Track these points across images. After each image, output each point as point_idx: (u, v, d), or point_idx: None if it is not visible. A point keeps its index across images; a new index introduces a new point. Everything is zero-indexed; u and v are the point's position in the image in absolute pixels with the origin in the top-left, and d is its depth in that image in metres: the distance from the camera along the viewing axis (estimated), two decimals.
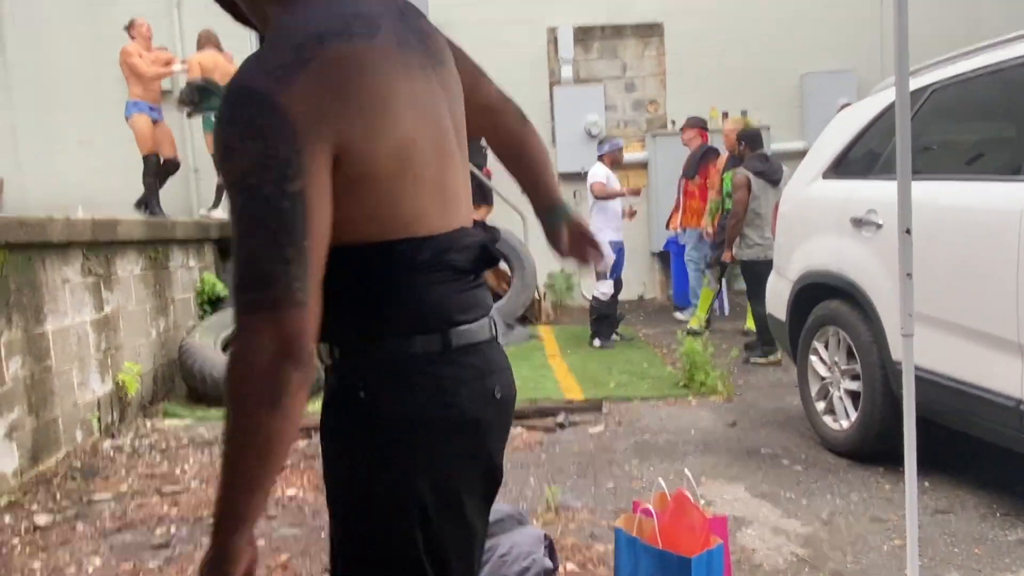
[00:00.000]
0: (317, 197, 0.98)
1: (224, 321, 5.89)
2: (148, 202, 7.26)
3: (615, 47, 9.48)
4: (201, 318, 6.23)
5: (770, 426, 4.58)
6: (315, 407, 1.19)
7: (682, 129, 7.84)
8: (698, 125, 7.69)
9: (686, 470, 3.00)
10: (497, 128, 1.50)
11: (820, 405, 4.19)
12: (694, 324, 7.16)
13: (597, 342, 6.88)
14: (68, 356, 4.39)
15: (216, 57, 7.46)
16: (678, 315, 8.13)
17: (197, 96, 7.06)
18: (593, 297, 6.89)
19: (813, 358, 4.22)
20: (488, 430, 1.21)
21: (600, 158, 6.93)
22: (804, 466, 3.91)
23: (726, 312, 7.49)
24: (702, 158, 7.55)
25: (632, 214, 6.92)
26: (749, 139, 6.30)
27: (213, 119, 7.26)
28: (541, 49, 9.40)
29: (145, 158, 7.24)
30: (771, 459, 4.03)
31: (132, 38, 7.28)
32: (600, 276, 6.79)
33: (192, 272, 6.31)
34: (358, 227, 1.07)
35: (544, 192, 1.56)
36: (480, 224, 1.28)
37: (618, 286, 7.02)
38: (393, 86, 1.07)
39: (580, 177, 8.65)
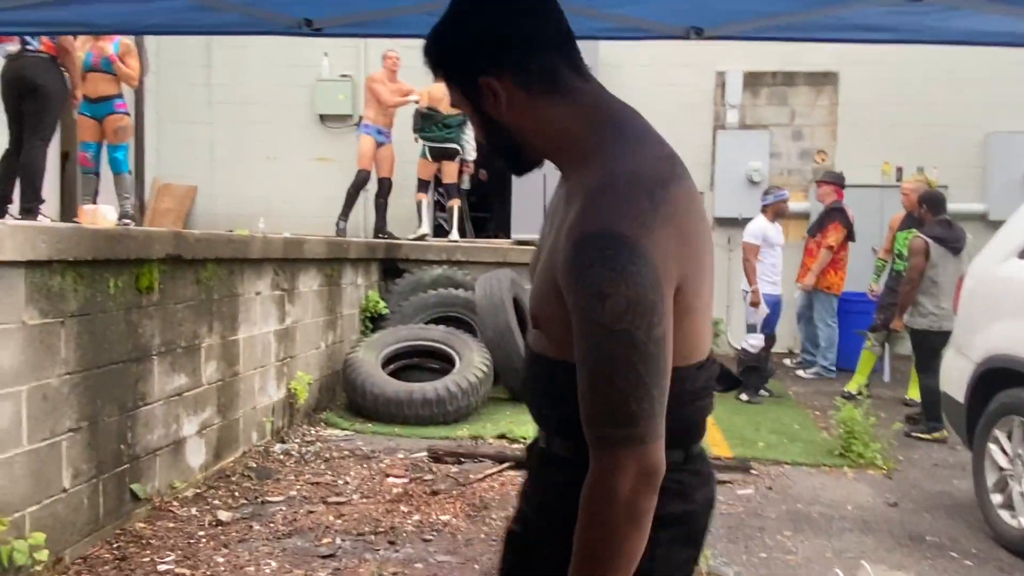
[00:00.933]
0: (670, 338, 1.08)
1: (385, 340, 6.21)
2: (342, 213, 7.89)
3: (785, 94, 9.29)
4: (363, 333, 6.59)
5: (936, 511, 4.33)
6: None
7: (817, 183, 7.66)
8: (835, 181, 7.53)
9: (864, 564, 2.89)
10: None
11: (997, 498, 3.94)
12: (852, 388, 6.86)
13: (744, 396, 6.72)
14: (254, 362, 4.77)
15: (444, 88, 7.95)
16: (800, 373, 7.90)
17: (420, 122, 7.76)
18: (742, 349, 6.74)
19: (993, 447, 3.98)
20: (705, 530, 1.28)
21: (763, 209, 6.79)
22: (975, 562, 3.67)
23: (886, 378, 7.12)
24: (827, 216, 7.35)
25: (756, 304, 6.69)
26: (932, 202, 6.00)
27: (424, 146, 7.80)
28: (708, 92, 9.34)
29: (357, 172, 7.95)
30: (937, 548, 3.81)
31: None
32: (751, 328, 6.65)
33: (359, 289, 6.71)
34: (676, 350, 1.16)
35: None
36: None
37: (771, 340, 6.82)
38: (702, 226, 1.16)
39: (736, 223, 8.51)
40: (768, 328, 6.70)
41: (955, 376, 4.35)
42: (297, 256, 5.29)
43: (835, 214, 7.40)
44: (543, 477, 1.30)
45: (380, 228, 8.07)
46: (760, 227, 6.68)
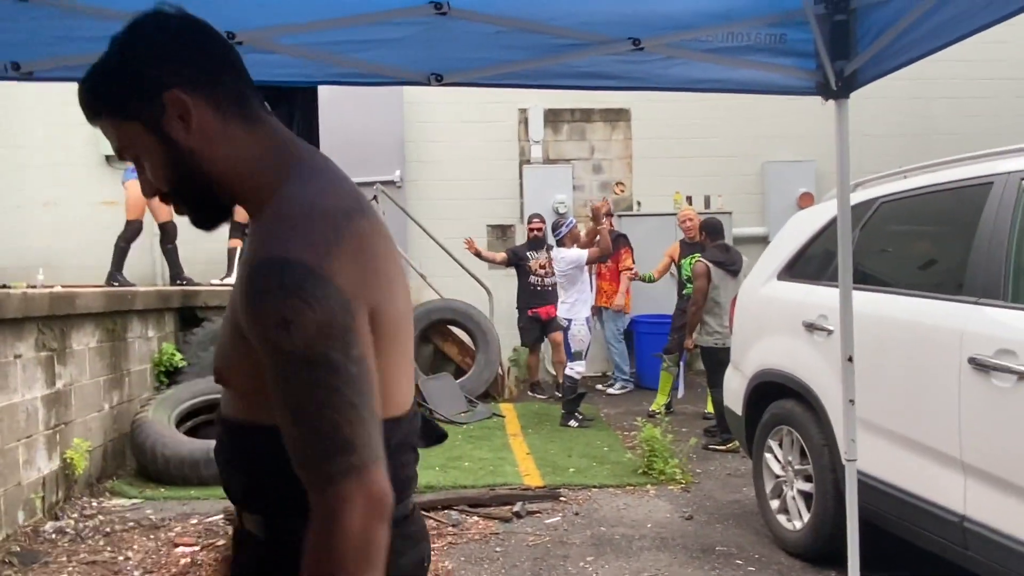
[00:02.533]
0: (372, 358, 1.02)
1: (180, 395, 5.80)
2: (115, 267, 7.21)
3: (584, 130, 9.73)
4: (157, 389, 6.12)
5: (726, 521, 4.58)
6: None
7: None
8: (610, 214, 8.13)
9: None
10: None
11: (775, 503, 4.21)
12: (654, 407, 7.20)
13: (573, 423, 6.88)
14: (15, 434, 4.28)
15: None
16: (610, 390, 8.42)
17: None
18: (567, 377, 6.89)
19: (768, 455, 4.25)
20: None
21: (560, 242, 6.98)
22: (757, 567, 3.91)
23: (681, 394, 7.56)
24: (615, 243, 7.85)
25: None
26: (710, 229, 6.46)
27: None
28: (512, 129, 9.61)
29: (128, 223, 7.23)
30: (726, 557, 4.03)
31: None
32: (576, 356, 6.84)
33: (150, 343, 6.23)
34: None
35: None
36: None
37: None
38: (392, 261, 1.12)
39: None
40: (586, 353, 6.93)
41: (733, 390, 4.65)
42: (68, 312, 4.82)
43: (622, 240, 8.13)
44: (236, 561, 1.21)
45: (177, 275, 7.55)
46: (579, 253, 6.80)
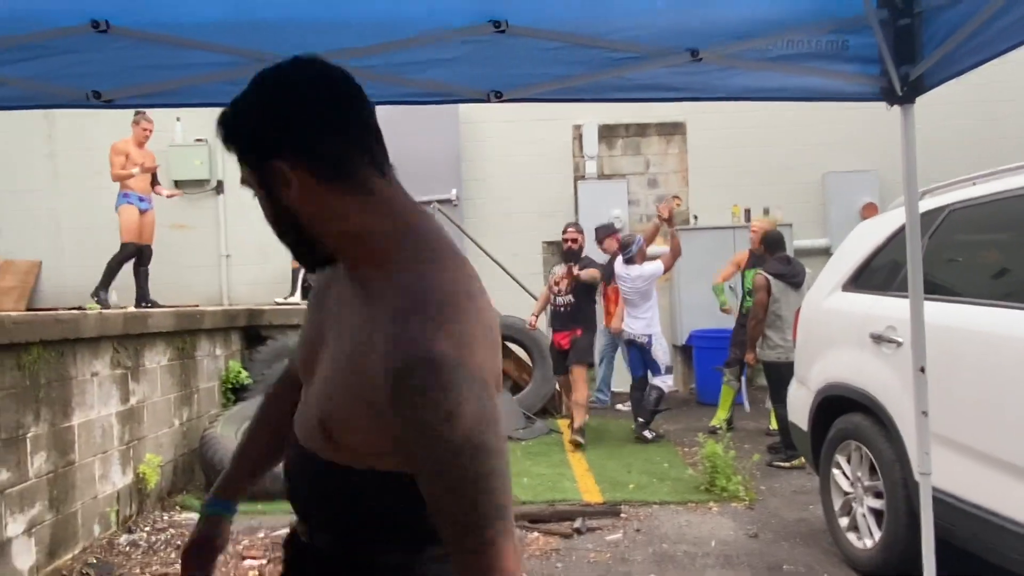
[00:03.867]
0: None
1: (246, 412, 5.94)
2: (101, 285, 7.32)
3: (638, 144, 9.72)
4: (224, 406, 6.29)
5: (793, 539, 4.48)
6: None
7: (599, 240, 8.05)
8: (612, 232, 8.02)
9: None
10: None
11: (844, 521, 4.10)
12: (715, 423, 7.09)
13: (648, 434, 6.86)
14: (92, 449, 4.44)
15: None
16: (620, 407, 8.27)
17: None
18: (655, 388, 6.85)
19: (835, 472, 4.15)
20: None
21: (630, 260, 6.94)
22: None
23: (747, 409, 7.41)
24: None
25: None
26: (770, 241, 6.36)
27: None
28: (566, 145, 9.65)
29: (123, 245, 7.34)
30: None
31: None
32: (668, 370, 6.87)
33: (218, 360, 6.41)
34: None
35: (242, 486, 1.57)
36: None
37: (646, 382, 7.01)
38: (496, 326, 1.17)
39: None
40: (650, 370, 6.91)
41: (798, 405, 4.56)
42: (141, 331, 5.00)
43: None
44: (304, 570, 1.25)
45: (143, 297, 7.53)
46: (653, 267, 6.77)
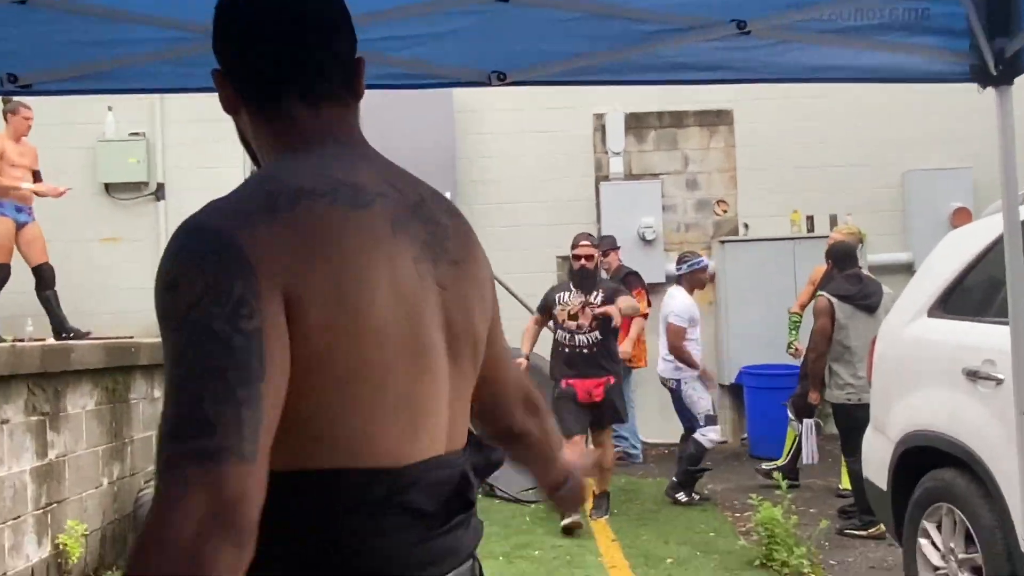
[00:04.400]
0: (275, 341, 1.03)
1: None
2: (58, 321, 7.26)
3: (675, 136, 9.76)
4: None
5: None
6: None
7: (604, 253, 8.05)
8: (612, 246, 8.21)
9: None
10: (496, 415, 1.58)
11: None
12: (768, 466, 7.09)
13: (683, 496, 6.85)
14: (0, 514, 4.45)
15: None
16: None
17: None
18: (694, 442, 6.86)
19: (923, 541, 4.13)
20: None
21: (679, 280, 7.00)
22: None
23: (807, 460, 7.37)
24: (625, 283, 7.70)
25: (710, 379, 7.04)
26: (838, 256, 6.38)
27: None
28: (586, 139, 9.70)
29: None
30: None
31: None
32: (710, 420, 6.85)
33: (157, 404, 6.42)
34: (295, 446, 1.08)
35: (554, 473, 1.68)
36: (472, 439, 1.32)
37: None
38: (369, 264, 1.14)
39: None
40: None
41: (875, 458, 4.54)
42: (62, 368, 5.03)
43: (633, 278, 7.95)
44: None
45: (61, 326, 7.44)
46: (686, 304, 6.84)
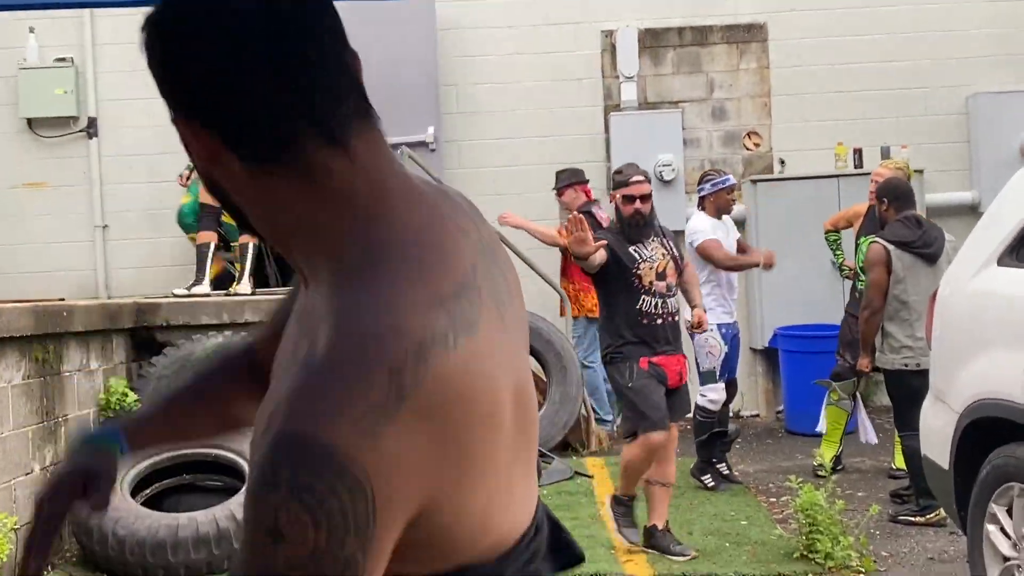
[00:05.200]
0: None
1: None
2: None
3: (698, 57, 9.67)
4: None
5: None
6: None
7: (558, 191, 8.26)
8: (576, 180, 8.25)
9: None
10: None
11: None
12: (820, 461, 7.08)
13: (710, 479, 6.88)
14: None
15: None
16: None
17: None
18: (697, 408, 6.85)
19: (991, 527, 4.16)
20: None
21: (700, 203, 6.96)
22: None
23: (864, 439, 7.39)
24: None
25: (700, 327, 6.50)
26: (894, 195, 6.32)
27: None
28: (593, 60, 9.61)
29: None
30: None
31: None
32: (708, 377, 6.81)
33: (94, 377, 6.42)
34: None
35: None
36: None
37: (732, 389, 7.03)
38: (500, 382, 1.11)
39: None
40: (729, 372, 6.91)
41: (935, 433, 4.55)
42: None
43: (587, 219, 7.89)
44: None
45: None
46: (706, 223, 6.78)
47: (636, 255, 5.59)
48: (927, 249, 6.06)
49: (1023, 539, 4.00)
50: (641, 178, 5.72)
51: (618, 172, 5.97)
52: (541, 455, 7.57)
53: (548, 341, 7.98)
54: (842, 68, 9.49)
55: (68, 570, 5.51)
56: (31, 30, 9.19)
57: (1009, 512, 4.07)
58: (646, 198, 5.68)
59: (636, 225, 5.66)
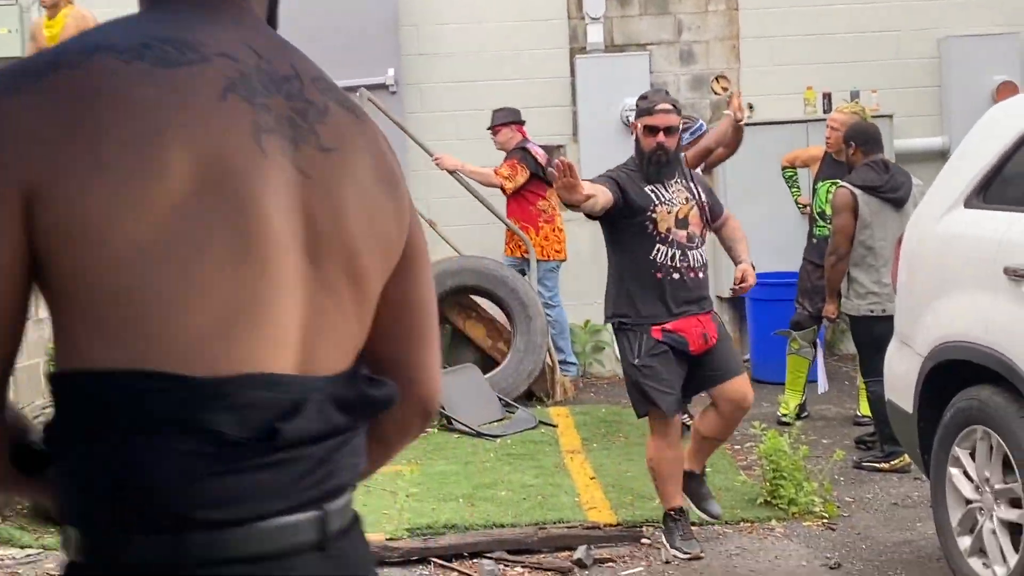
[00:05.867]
0: None
1: None
2: None
3: None
4: None
5: (893, 569, 4.57)
6: None
7: (493, 129, 8.32)
8: (511, 120, 8.28)
9: None
10: None
11: (964, 541, 4.18)
12: (784, 411, 7.16)
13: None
14: None
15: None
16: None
17: None
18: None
19: (954, 471, 4.22)
20: None
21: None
22: None
23: (822, 389, 7.50)
24: (507, 158, 8.06)
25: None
26: (862, 139, 6.32)
27: None
28: (558, 2, 9.53)
29: None
30: None
31: None
32: None
33: (42, 327, 6.34)
34: (80, 338, 1.11)
35: None
36: (354, 369, 1.26)
37: None
38: (164, 124, 1.12)
39: None
40: None
41: (900, 378, 4.60)
42: None
43: (515, 153, 8.19)
44: None
45: None
46: None
47: (652, 196, 4.86)
48: (894, 194, 6.09)
49: (986, 482, 4.05)
50: (668, 107, 4.95)
51: (643, 98, 5.22)
52: (504, 404, 7.61)
53: (512, 288, 7.97)
54: (812, 10, 9.47)
55: (20, 522, 5.48)
56: None
57: (972, 455, 4.13)
58: (672, 131, 4.93)
59: (657, 162, 4.89)
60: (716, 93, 9.61)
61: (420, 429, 1.50)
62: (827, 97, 9.29)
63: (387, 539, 4.95)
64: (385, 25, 9.06)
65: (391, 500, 5.69)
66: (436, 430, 7.26)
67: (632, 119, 5.55)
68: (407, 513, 5.47)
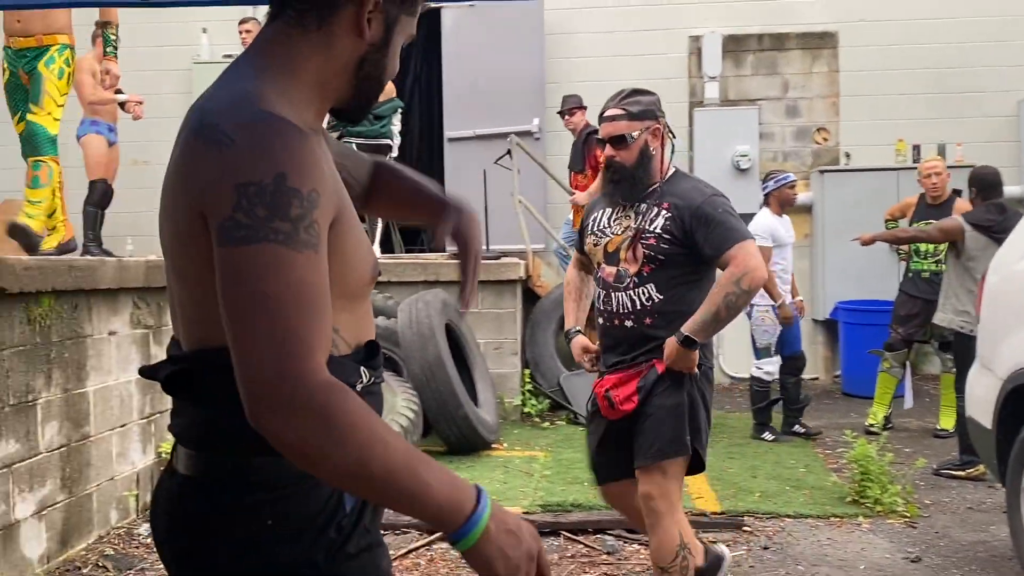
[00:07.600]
0: None
1: None
2: (87, 237, 7.20)
3: (775, 61, 9.52)
4: None
5: (969, 566, 4.43)
6: None
7: (565, 114, 8.05)
8: (579, 105, 8.02)
9: None
10: None
11: None
12: (871, 422, 6.98)
13: (768, 435, 6.87)
14: (108, 421, 4.70)
15: None
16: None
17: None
18: (753, 379, 6.87)
19: None
20: None
21: (766, 200, 6.81)
22: None
23: (908, 404, 7.27)
24: (584, 144, 7.72)
25: (788, 321, 6.60)
26: (982, 183, 6.12)
27: None
28: (680, 62, 9.53)
29: (93, 184, 7.25)
30: None
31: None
32: (764, 352, 6.78)
33: None
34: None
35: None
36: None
37: (799, 362, 6.94)
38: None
39: None
40: (791, 347, 6.86)
41: (980, 396, 4.47)
42: (165, 283, 5.22)
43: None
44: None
45: (95, 243, 7.16)
46: (767, 224, 6.65)
47: (592, 223, 3.51)
48: (1003, 235, 5.89)
49: None
50: (617, 112, 3.38)
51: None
52: None
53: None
54: (904, 73, 9.28)
55: None
56: (204, 30, 9.46)
57: None
58: (621, 142, 3.33)
59: (612, 181, 3.42)
60: (817, 143, 9.49)
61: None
62: (916, 148, 9.08)
63: (523, 512, 5.02)
64: (533, 83, 9.20)
65: (527, 480, 5.78)
66: (566, 423, 7.34)
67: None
68: (540, 492, 5.55)
